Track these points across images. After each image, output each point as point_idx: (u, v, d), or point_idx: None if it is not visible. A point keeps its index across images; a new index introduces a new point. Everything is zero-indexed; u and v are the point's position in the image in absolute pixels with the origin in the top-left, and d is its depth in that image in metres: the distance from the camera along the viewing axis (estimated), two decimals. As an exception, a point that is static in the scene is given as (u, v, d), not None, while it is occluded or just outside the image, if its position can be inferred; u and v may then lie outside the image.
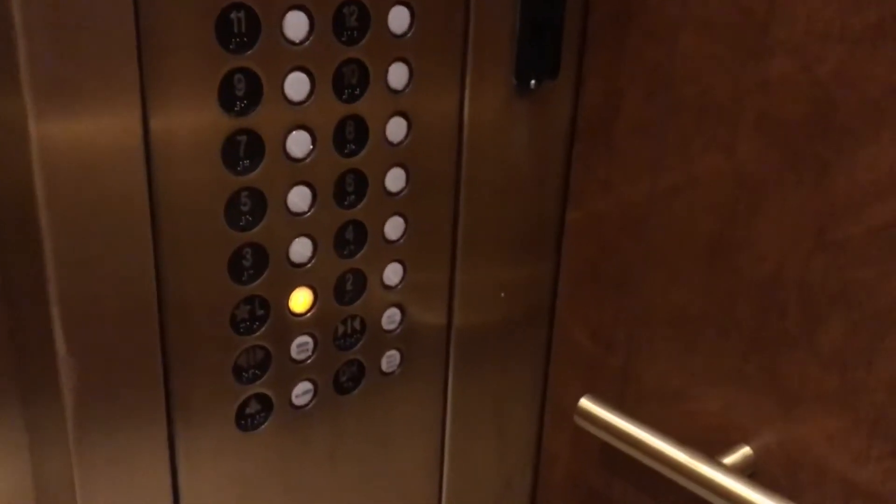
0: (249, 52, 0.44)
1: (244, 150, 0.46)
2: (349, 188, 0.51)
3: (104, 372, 0.45)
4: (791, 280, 0.52)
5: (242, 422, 0.52)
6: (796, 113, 0.50)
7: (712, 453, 0.56)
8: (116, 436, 0.47)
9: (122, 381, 0.46)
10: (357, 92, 0.49)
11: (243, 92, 0.45)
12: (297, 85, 0.47)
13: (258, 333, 0.50)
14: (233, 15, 0.43)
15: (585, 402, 0.61)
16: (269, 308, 0.50)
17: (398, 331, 0.57)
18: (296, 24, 0.45)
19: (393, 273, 0.56)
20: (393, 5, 0.49)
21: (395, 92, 0.51)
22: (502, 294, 0.63)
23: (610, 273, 0.62)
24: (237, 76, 0.44)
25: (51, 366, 0.44)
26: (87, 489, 0.46)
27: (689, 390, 0.59)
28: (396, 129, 0.52)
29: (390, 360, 0.58)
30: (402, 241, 0.55)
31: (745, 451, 0.57)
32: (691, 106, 0.55)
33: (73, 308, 0.43)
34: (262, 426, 0.53)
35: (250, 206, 0.48)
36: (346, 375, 0.56)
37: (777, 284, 0.53)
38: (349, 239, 0.53)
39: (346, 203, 0.51)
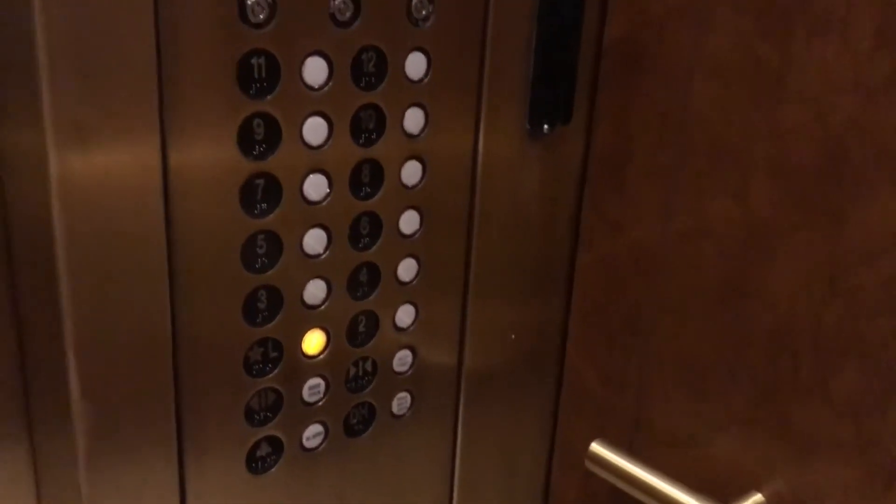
0: (269, 97, 0.45)
1: (261, 193, 0.46)
2: (364, 230, 0.52)
3: (117, 413, 0.45)
4: (804, 327, 0.52)
5: (253, 464, 0.52)
6: (809, 161, 0.51)
7: (724, 500, 0.55)
8: (127, 476, 0.46)
9: (135, 422, 0.46)
10: (373, 136, 0.50)
11: (262, 136, 0.45)
12: (315, 129, 0.47)
13: (271, 375, 0.50)
14: (254, 60, 0.44)
15: (596, 447, 0.60)
16: (283, 350, 0.50)
17: (409, 372, 0.57)
18: (315, 70, 0.46)
19: (405, 314, 0.56)
20: (410, 52, 0.49)
21: (411, 136, 0.51)
22: (512, 335, 0.63)
23: (620, 316, 0.63)
24: (256, 120, 0.45)
25: (64, 407, 0.44)
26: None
27: (700, 435, 0.59)
28: (411, 172, 0.52)
29: (401, 402, 0.58)
30: (414, 282, 0.55)
31: (756, 498, 0.56)
32: (703, 151, 0.55)
33: (89, 351, 0.43)
34: (273, 469, 0.52)
35: (266, 249, 0.48)
36: (356, 418, 0.56)
37: (789, 331, 0.53)
38: (363, 281, 0.53)
39: (360, 245, 0.52)
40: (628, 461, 0.60)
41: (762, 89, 0.52)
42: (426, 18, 0.49)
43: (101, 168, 0.41)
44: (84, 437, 0.44)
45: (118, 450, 0.46)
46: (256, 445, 0.52)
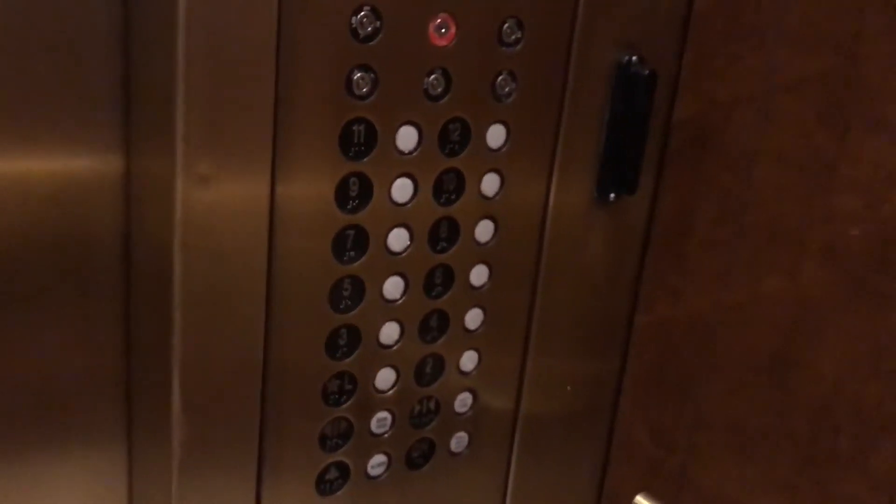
0: (366, 159, 0.51)
1: (351, 242, 0.52)
2: (437, 280, 0.57)
3: (210, 427, 0.50)
4: (846, 402, 0.55)
5: (322, 486, 0.57)
6: (859, 246, 0.54)
7: (761, 563, 0.58)
8: (212, 488, 0.52)
9: (224, 437, 0.51)
10: (453, 196, 0.55)
11: (356, 192, 0.51)
12: (402, 189, 0.52)
13: (345, 406, 0.55)
14: (355, 127, 0.50)
15: (641, 500, 0.64)
16: (357, 383, 0.56)
17: (469, 413, 0.62)
18: (407, 137, 0.51)
19: (469, 360, 0.60)
20: (492, 124, 0.55)
21: (487, 198, 0.56)
22: (568, 387, 0.66)
23: (673, 377, 0.66)
24: (353, 178, 0.51)
25: (164, 419, 0.50)
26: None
27: (742, 499, 0.62)
28: (485, 230, 0.57)
29: (459, 440, 0.62)
30: (480, 330, 0.60)
31: (793, 564, 0.59)
32: (760, 230, 0.59)
33: (192, 369, 0.49)
34: (339, 492, 0.57)
35: (350, 291, 0.53)
36: (417, 452, 0.60)
37: (832, 405, 0.56)
38: (433, 326, 0.58)
39: (433, 294, 0.57)
40: (671, 516, 0.63)
41: (817, 177, 0.55)
42: (509, 94, 0.54)
43: (217, 207, 0.47)
44: (179, 448, 0.50)
45: (207, 461, 0.51)
46: (326, 469, 0.56)
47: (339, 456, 0.57)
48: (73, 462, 0.54)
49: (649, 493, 0.65)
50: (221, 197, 0.47)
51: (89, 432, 0.54)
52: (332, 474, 0.57)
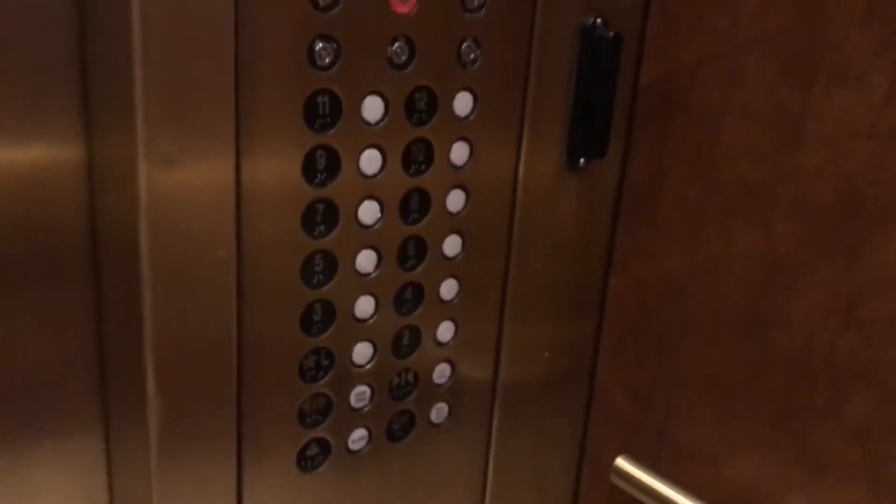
0: (331, 131, 0.50)
1: (321, 216, 0.51)
2: (411, 252, 0.56)
3: (186, 409, 0.50)
4: (819, 355, 0.56)
5: (303, 463, 0.56)
6: (827, 200, 0.54)
7: (742, 516, 0.59)
8: (192, 468, 0.51)
9: (201, 418, 0.51)
10: (423, 167, 0.54)
11: (324, 165, 0.50)
12: (371, 161, 0.52)
13: (322, 382, 0.55)
14: (319, 98, 0.49)
15: (622, 462, 0.64)
16: (334, 359, 0.55)
17: (448, 384, 0.62)
18: (373, 108, 0.51)
19: (445, 330, 0.60)
20: (458, 91, 0.54)
21: (457, 167, 0.56)
22: (546, 353, 0.67)
23: (649, 338, 0.66)
24: (319, 152, 0.50)
25: (139, 402, 0.49)
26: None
27: (721, 454, 0.63)
28: (456, 200, 0.57)
29: (439, 411, 0.62)
30: (455, 301, 0.60)
31: (773, 515, 0.60)
32: (730, 187, 0.59)
33: (165, 350, 0.48)
34: (320, 468, 0.57)
35: (323, 267, 0.53)
36: (398, 424, 0.60)
37: (806, 358, 0.56)
38: (408, 298, 0.57)
39: (407, 266, 0.56)
40: (652, 476, 0.64)
41: (784, 132, 0.55)
42: (474, 61, 0.54)
43: (182, 187, 0.46)
44: (156, 429, 0.49)
45: (185, 443, 0.51)
46: (307, 446, 0.56)
47: (319, 432, 0.56)
48: (50, 448, 0.53)
49: (629, 454, 0.65)
50: (186, 176, 0.46)
51: (65, 418, 0.53)
52: (313, 450, 0.57)
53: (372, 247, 0.54)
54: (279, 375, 0.53)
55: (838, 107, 0.52)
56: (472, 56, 0.54)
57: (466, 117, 0.55)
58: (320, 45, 0.48)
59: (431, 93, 0.53)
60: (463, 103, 0.54)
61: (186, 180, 0.46)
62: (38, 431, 0.52)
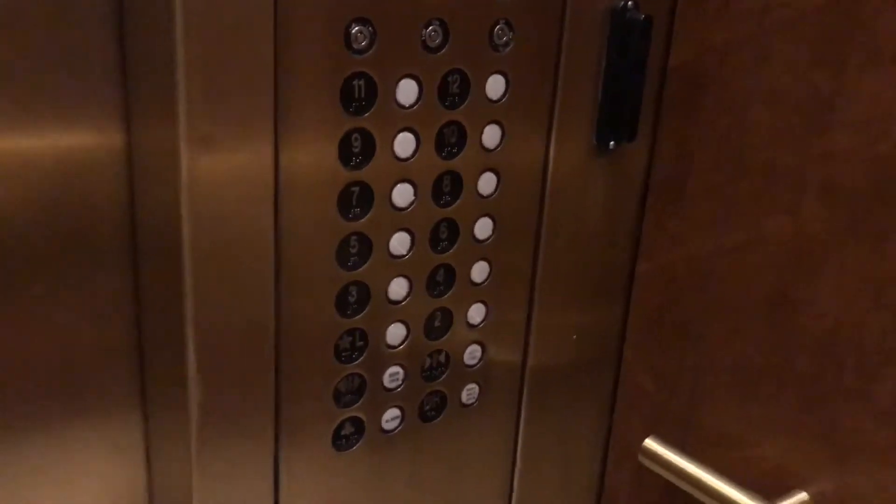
0: (367, 115, 0.51)
1: (356, 199, 0.52)
2: (443, 235, 0.57)
3: (226, 389, 0.51)
4: (848, 338, 0.56)
5: (338, 442, 0.57)
6: (857, 183, 0.54)
7: (770, 498, 0.59)
8: (231, 448, 0.52)
9: (240, 398, 0.52)
10: (455, 150, 0.55)
11: (359, 148, 0.51)
12: (405, 143, 0.53)
13: (357, 362, 0.56)
14: (355, 82, 0.49)
15: (650, 443, 0.65)
16: (368, 340, 0.56)
17: (478, 366, 0.62)
18: (407, 91, 0.51)
19: (476, 313, 0.61)
20: (490, 74, 0.55)
21: (488, 150, 0.57)
22: (574, 336, 0.67)
23: (676, 322, 0.67)
24: (355, 135, 0.51)
25: (180, 384, 0.50)
26: (203, 493, 0.52)
27: (748, 437, 0.63)
28: (487, 183, 0.57)
29: (470, 392, 0.63)
30: (486, 283, 0.60)
31: (801, 496, 0.60)
32: (759, 171, 0.59)
33: (205, 331, 0.49)
34: (355, 447, 0.58)
35: (357, 249, 0.53)
36: (429, 405, 0.61)
37: (835, 341, 0.57)
38: (440, 280, 0.58)
39: (439, 248, 0.57)
40: (680, 457, 0.64)
41: (815, 116, 0.55)
42: (506, 45, 0.54)
43: (222, 171, 0.47)
44: (197, 409, 0.50)
45: (224, 423, 0.52)
46: (342, 425, 0.57)
47: (353, 411, 0.57)
48: (91, 431, 0.54)
49: (656, 436, 0.66)
50: (226, 160, 0.47)
51: (104, 401, 0.54)
52: (348, 430, 0.58)
53: (405, 229, 0.55)
54: (315, 356, 0.54)
55: (870, 89, 0.53)
56: (504, 39, 0.54)
57: (498, 100, 0.56)
58: (356, 28, 0.48)
59: (464, 76, 0.53)
60: (495, 86, 0.55)
61: (226, 163, 0.47)
62: (79, 413, 0.54)
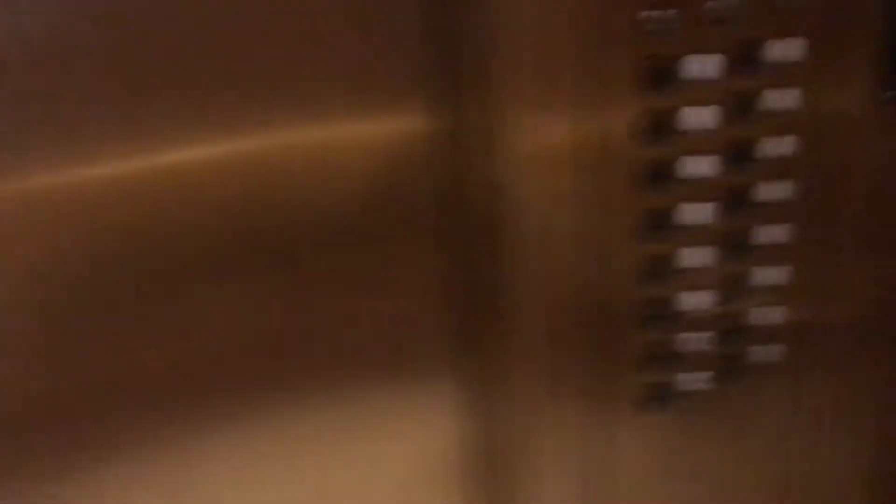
0: (661, 91, 0.53)
1: (653, 172, 0.54)
2: (742, 201, 0.57)
3: (564, 353, 0.56)
4: None
5: (645, 404, 0.61)
6: None
7: None
8: (565, 411, 0.58)
9: (557, 368, 0.57)
10: (752, 117, 0.55)
11: (655, 123, 0.53)
12: (699, 115, 0.54)
13: (660, 327, 0.59)
14: (650, 60, 0.52)
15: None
16: (668, 305, 0.58)
17: (780, 327, 0.62)
18: (702, 65, 0.53)
19: (777, 274, 0.61)
20: (785, 37, 0.54)
21: (785, 113, 0.56)
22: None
23: None
24: (650, 111, 0.53)
25: (503, 358, 0.56)
26: (540, 451, 0.58)
27: None
28: (785, 145, 0.57)
29: (771, 354, 0.63)
30: (785, 245, 0.60)
31: None
32: None
33: (529, 306, 0.54)
34: (661, 408, 0.61)
35: (656, 221, 0.56)
36: (731, 367, 0.62)
37: None
38: (739, 244, 0.59)
39: (737, 213, 0.58)
40: None
41: None
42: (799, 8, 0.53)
43: (542, 150, 0.52)
44: (521, 381, 0.56)
45: (543, 389, 0.57)
46: (646, 388, 0.60)
47: (657, 375, 0.60)
48: (409, 399, 0.60)
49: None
50: (544, 138, 0.51)
51: (420, 371, 0.60)
52: (652, 392, 0.61)
53: (703, 198, 0.56)
54: (622, 323, 0.58)
55: None
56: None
57: (795, 63, 0.55)
58: (650, 10, 0.50)
59: (757, 43, 0.53)
60: (791, 49, 0.54)
61: (538, 135, 0.51)
62: (399, 382, 0.59)
